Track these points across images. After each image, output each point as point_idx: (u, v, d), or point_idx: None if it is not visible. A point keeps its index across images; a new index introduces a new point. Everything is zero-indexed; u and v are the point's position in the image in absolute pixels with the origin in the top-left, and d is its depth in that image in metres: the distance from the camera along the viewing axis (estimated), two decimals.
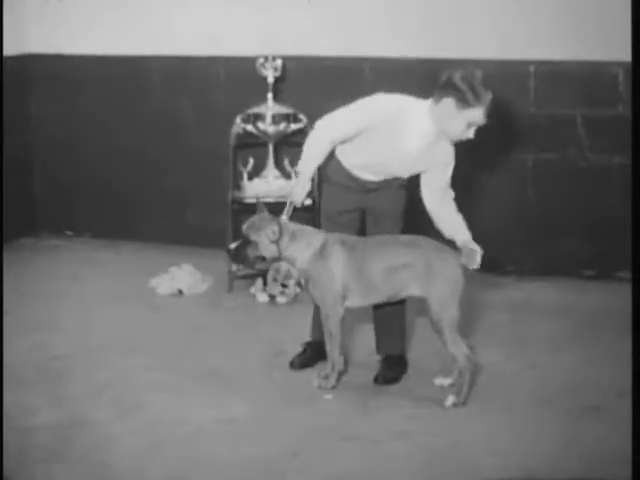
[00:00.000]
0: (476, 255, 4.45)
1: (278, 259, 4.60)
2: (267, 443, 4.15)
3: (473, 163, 6.41)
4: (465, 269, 4.45)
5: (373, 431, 4.26)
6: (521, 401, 4.57)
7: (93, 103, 7.24)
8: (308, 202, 4.93)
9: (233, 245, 4.57)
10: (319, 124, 4.54)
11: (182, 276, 6.21)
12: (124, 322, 5.64)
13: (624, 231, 5.68)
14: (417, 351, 5.11)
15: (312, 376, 4.75)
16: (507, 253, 6.47)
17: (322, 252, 4.49)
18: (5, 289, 5.53)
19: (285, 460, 4.00)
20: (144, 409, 4.48)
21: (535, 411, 4.47)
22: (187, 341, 5.33)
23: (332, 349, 4.61)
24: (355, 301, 4.55)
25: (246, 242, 4.50)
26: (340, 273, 4.47)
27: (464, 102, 4.27)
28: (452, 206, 4.59)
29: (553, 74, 6.24)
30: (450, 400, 4.49)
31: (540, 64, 6.25)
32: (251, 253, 4.51)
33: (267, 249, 4.49)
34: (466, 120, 4.31)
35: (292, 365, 4.93)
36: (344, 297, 4.51)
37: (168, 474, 3.88)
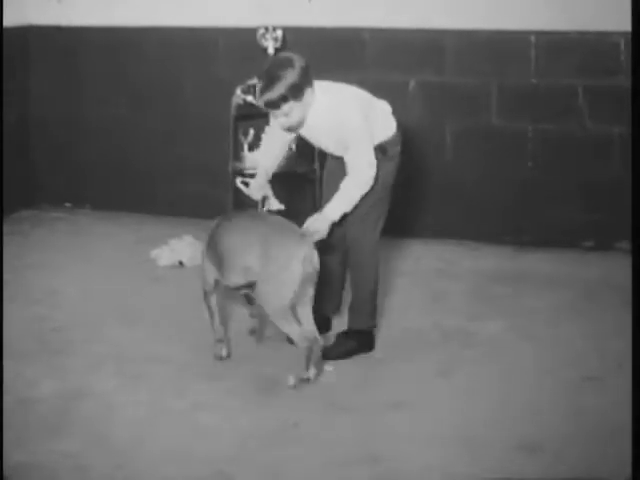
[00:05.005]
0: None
1: None
2: (267, 414, 4.17)
3: (471, 133, 6.43)
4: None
5: (373, 402, 4.27)
6: (521, 372, 4.58)
7: (92, 74, 7.21)
8: None
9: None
10: None
11: (182, 247, 6.20)
12: (124, 294, 5.65)
13: (623, 202, 5.69)
14: (413, 322, 5.13)
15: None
16: (506, 224, 6.47)
17: None
18: (5, 261, 5.53)
19: (285, 430, 4.01)
20: (144, 380, 4.49)
21: (535, 382, 4.48)
22: (187, 313, 5.32)
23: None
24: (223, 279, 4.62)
25: None
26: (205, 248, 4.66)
27: None
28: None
29: (554, 44, 6.21)
30: (291, 380, 4.38)
31: (541, 34, 6.21)
32: None
33: None
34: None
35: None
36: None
37: (168, 445, 3.89)
